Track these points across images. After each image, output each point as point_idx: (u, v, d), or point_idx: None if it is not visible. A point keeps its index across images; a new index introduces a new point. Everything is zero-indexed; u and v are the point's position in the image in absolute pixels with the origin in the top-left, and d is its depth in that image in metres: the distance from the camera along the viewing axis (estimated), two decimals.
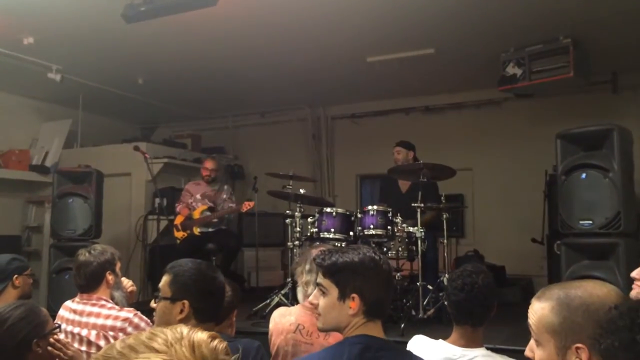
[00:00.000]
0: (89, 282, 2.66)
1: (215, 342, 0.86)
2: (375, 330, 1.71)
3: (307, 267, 2.43)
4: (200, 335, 0.86)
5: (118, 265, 2.78)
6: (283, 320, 2.44)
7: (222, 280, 2.04)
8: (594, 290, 1.28)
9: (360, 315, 1.70)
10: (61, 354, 2.07)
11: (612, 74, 6.03)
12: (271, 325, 2.49)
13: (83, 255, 2.70)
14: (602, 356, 1.17)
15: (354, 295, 1.69)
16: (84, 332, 2.56)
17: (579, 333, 1.23)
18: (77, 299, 2.70)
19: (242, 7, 4.22)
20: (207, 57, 5.59)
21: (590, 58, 5.20)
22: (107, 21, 4.46)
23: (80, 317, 2.61)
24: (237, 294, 2.68)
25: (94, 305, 2.63)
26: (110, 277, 2.70)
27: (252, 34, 4.99)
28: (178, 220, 5.71)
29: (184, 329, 0.87)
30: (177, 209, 5.80)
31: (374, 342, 1.66)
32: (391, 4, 4.43)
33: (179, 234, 5.64)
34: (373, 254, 1.74)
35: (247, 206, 5.35)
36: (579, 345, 1.23)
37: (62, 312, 2.71)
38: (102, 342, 2.50)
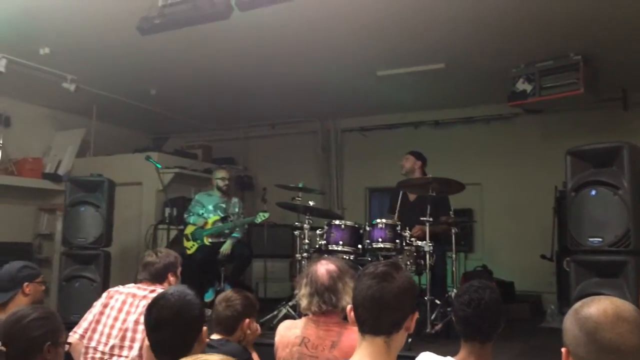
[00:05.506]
0: (153, 279, 2.82)
1: None
2: (370, 350, 1.63)
3: (305, 280, 2.42)
4: None
5: (179, 269, 2.97)
6: (288, 333, 2.43)
7: None
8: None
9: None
10: None
11: (622, 91, 6.01)
12: (277, 338, 2.48)
13: (150, 256, 2.88)
14: None
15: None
16: (123, 297, 2.70)
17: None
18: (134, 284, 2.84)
19: (254, 20, 4.27)
20: (220, 69, 5.65)
21: (600, 75, 5.20)
22: (121, 33, 4.54)
23: (128, 289, 2.76)
24: (250, 304, 2.65)
25: (152, 291, 2.72)
26: (172, 279, 2.88)
27: (264, 47, 5.04)
28: (189, 230, 5.73)
29: None
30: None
31: None
32: (402, 19, 4.46)
33: (189, 244, 5.67)
34: (369, 266, 1.75)
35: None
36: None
37: (116, 288, 2.82)
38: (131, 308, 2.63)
